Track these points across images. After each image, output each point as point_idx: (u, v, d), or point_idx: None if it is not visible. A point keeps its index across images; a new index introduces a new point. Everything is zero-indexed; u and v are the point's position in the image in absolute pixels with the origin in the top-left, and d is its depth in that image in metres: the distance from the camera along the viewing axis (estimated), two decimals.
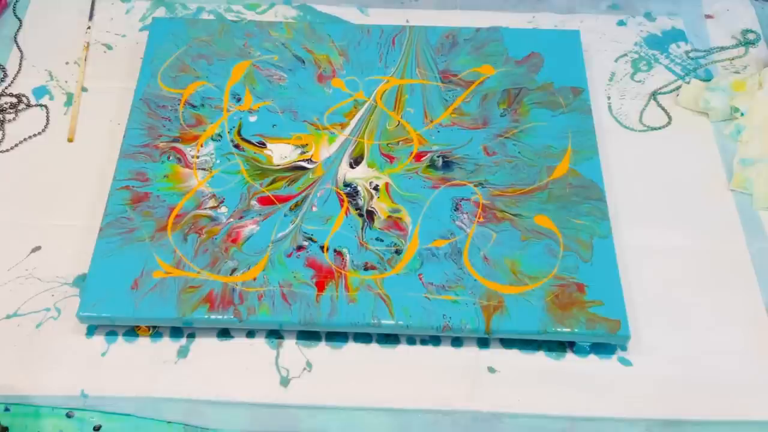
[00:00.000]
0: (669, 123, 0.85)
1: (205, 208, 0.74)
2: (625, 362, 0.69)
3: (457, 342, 0.70)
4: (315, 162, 0.78)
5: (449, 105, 0.83)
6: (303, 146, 0.79)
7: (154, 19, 0.90)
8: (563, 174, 0.77)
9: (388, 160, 0.78)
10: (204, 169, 0.77)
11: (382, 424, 0.66)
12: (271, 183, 0.76)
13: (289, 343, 0.69)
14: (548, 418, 0.66)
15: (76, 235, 0.74)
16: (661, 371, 0.68)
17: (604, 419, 0.66)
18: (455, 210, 0.75)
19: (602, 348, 0.69)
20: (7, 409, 0.66)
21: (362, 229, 0.73)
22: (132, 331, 0.69)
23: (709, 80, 0.87)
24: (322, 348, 0.69)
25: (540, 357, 0.69)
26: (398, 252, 0.72)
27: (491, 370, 0.68)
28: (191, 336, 0.70)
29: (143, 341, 0.69)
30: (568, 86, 0.84)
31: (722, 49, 0.92)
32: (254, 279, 0.70)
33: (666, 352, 0.69)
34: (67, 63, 0.89)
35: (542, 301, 0.69)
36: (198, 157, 0.78)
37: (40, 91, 0.86)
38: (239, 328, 0.70)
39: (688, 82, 0.88)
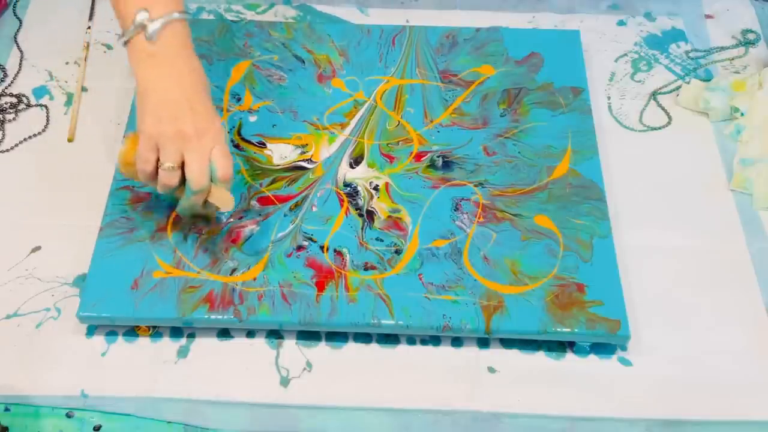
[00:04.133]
0: (669, 123, 0.85)
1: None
2: (625, 362, 0.69)
3: (457, 342, 0.70)
4: (315, 162, 0.78)
5: (449, 105, 0.83)
6: (303, 146, 0.79)
7: None
8: (563, 174, 0.77)
9: (388, 160, 0.78)
10: None
11: (382, 424, 0.66)
12: (271, 183, 0.76)
13: (289, 343, 0.69)
14: (548, 418, 0.66)
15: (76, 235, 0.74)
16: (661, 371, 0.68)
17: (604, 419, 0.66)
18: (455, 210, 0.75)
19: (602, 348, 0.69)
20: (7, 409, 0.66)
21: (362, 229, 0.73)
22: (132, 331, 0.69)
23: (709, 80, 0.87)
24: (322, 348, 0.69)
25: (540, 357, 0.69)
26: (398, 252, 0.72)
27: (491, 370, 0.68)
28: (191, 336, 0.70)
29: (143, 341, 0.69)
30: (568, 86, 0.84)
31: (722, 49, 0.92)
32: (254, 279, 0.70)
33: (666, 352, 0.69)
34: (67, 63, 0.89)
35: (542, 301, 0.69)
36: None
37: (40, 91, 0.86)
38: (239, 328, 0.70)
39: (688, 82, 0.88)
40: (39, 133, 0.83)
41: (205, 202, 0.68)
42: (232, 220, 0.74)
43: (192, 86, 0.67)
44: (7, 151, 0.81)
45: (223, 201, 0.68)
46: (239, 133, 0.80)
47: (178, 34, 0.67)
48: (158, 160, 0.66)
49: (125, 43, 0.67)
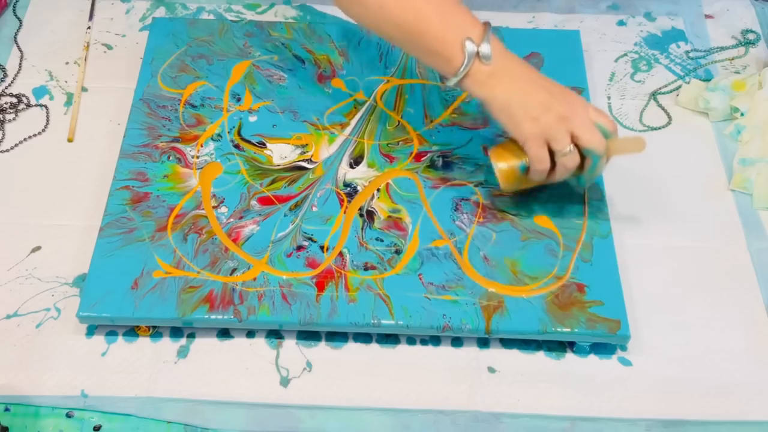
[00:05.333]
0: (669, 123, 0.85)
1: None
2: (625, 362, 0.69)
3: (457, 342, 0.70)
4: (315, 162, 0.78)
5: (449, 105, 0.83)
6: (303, 146, 0.79)
7: (154, 19, 0.90)
8: None
9: (388, 160, 0.78)
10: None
11: (382, 424, 0.66)
12: (271, 183, 0.76)
13: (289, 343, 0.69)
14: (548, 418, 0.66)
15: (76, 235, 0.74)
16: (661, 371, 0.68)
17: (604, 419, 0.66)
18: (455, 210, 0.75)
19: (602, 348, 0.69)
20: (7, 409, 0.66)
21: (362, 229, 0.73)
22: (132, 331, 0.69)
23: (709, 80, 0.87)
24: (322, 348, 0.69)
25: (540, 357, 0.69)
26: (398, 252, 0.72)
27: (491, 370, 0.68)
28: (191, 336, 0.70)
29: (143, 341, 0.69)
30: (568, 86, 0.83)
31: (722, 49, 0.92)
32: (254, 279, 0.70)
33: (666, 352, 0.69)
34: (67, 63, 0.89)
35: (542, 301, 0.69)
36: (198, 157, 0.78)
37: (40, 91, 0.86)
38: (239, 328, 0.70)
39: (688, 82, 0.88)
40: (39, 133, 0.83)
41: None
42: (232, 220, 0.74)
43: (535, 76, 0.69)
44: (7, 151, 0.81)
45: (631, 146, 0.70)
46: (239, 133, 0.80)
47: (497, 43, 0.68)
48: (550, 153, 0.67)
49: (460, 81, 0.67)
